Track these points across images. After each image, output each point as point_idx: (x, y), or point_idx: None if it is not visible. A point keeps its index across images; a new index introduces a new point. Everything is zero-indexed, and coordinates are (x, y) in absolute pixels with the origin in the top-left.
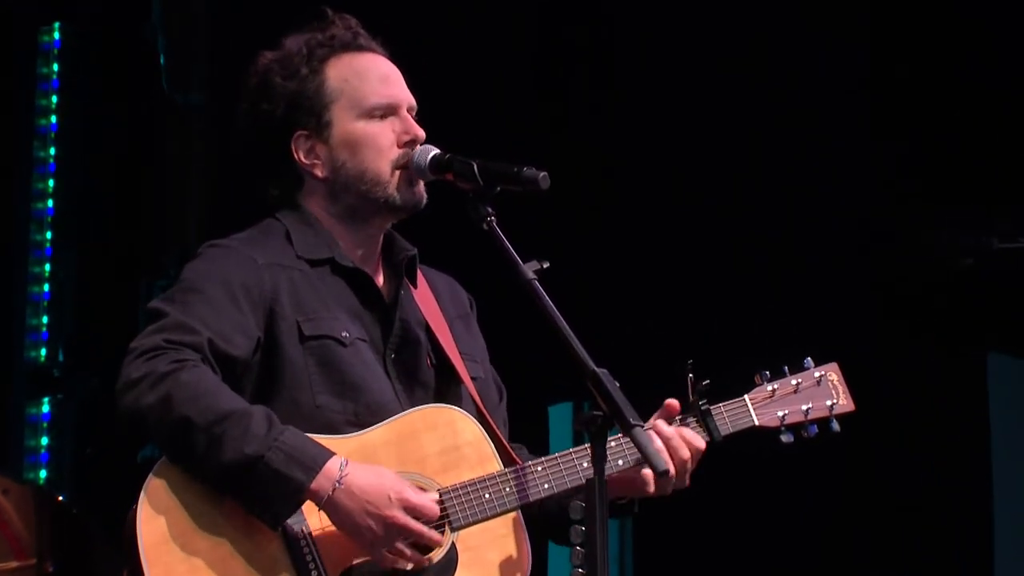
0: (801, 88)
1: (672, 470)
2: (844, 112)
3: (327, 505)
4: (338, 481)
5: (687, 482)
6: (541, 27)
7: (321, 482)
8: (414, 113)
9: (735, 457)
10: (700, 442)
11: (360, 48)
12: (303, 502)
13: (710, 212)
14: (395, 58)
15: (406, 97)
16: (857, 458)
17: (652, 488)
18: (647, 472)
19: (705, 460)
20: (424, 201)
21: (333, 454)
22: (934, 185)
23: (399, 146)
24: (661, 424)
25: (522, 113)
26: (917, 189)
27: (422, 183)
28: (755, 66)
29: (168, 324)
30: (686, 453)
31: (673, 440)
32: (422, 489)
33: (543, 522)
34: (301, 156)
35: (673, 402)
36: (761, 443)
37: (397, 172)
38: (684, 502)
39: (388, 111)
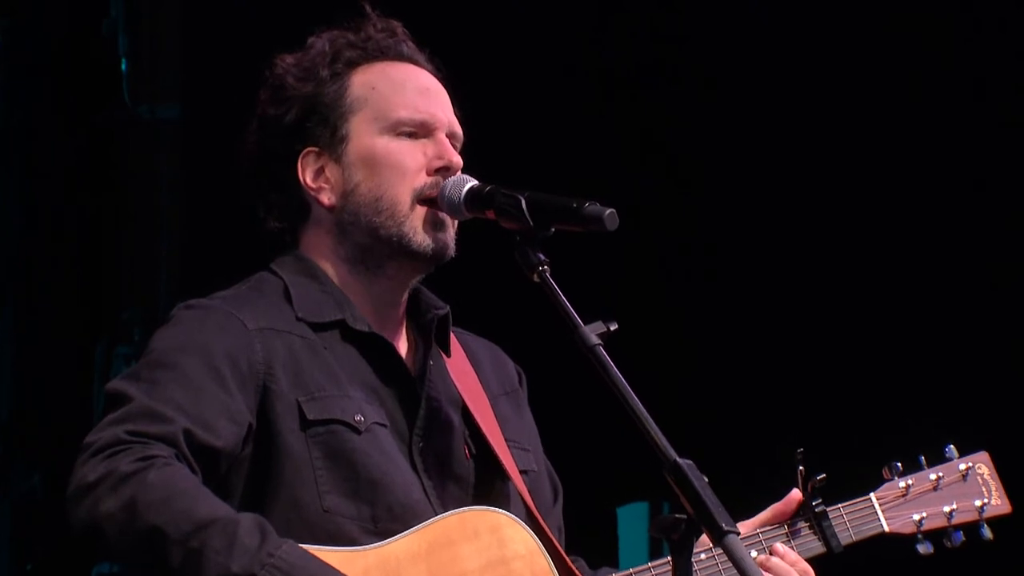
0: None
1: None
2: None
3: None
4: None
5: None
6: (602, 43)
7: None
8: (458, 145)
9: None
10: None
11: (400, 57)
12: None
13: (816, 242)
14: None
15: (447, 119)
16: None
17: None
18: None
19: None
20: (451, 251)
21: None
22: None
23: (428, 173)
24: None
25: (586, 136)
26: None
27: (452, 228)
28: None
29: (132, 411)
30: None
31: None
32: None
33: None
34: (307, 178)
35: (781, 509)
36: (892, 550)
37: (418, 207)
38: None
39: (422, 130)
